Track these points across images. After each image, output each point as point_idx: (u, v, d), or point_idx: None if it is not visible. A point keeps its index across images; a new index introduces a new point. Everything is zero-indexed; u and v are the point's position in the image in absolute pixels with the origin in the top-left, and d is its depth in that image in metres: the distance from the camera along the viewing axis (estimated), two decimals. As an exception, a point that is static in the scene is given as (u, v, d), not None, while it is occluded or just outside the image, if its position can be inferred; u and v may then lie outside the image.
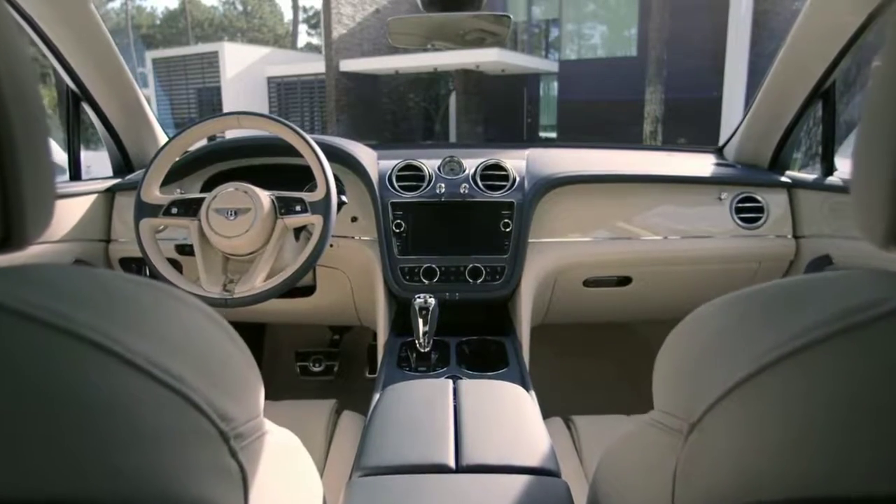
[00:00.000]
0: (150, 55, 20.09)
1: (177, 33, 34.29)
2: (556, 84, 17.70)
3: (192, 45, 24.62)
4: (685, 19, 12.48)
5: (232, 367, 0.43)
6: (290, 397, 2.25)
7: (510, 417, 0.92)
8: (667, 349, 0.51)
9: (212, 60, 17.93)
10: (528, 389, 1.17)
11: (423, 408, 0.93)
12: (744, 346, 0.39)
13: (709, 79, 13.29)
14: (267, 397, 0.52)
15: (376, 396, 1.11)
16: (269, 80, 18.63)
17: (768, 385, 0.35)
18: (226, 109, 16.64)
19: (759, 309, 0.42)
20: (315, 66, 17.89)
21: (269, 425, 0.48)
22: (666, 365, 0.51)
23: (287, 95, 18.86)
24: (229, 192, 1.33)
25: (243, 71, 17.92)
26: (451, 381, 1.03)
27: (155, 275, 1.34)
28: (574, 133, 15.71)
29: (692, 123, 13.09)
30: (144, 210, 1.36)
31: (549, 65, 17.74)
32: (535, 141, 17.27)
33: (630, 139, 12.23)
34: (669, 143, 11.71)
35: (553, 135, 17.40)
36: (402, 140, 17.49)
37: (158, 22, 36.57)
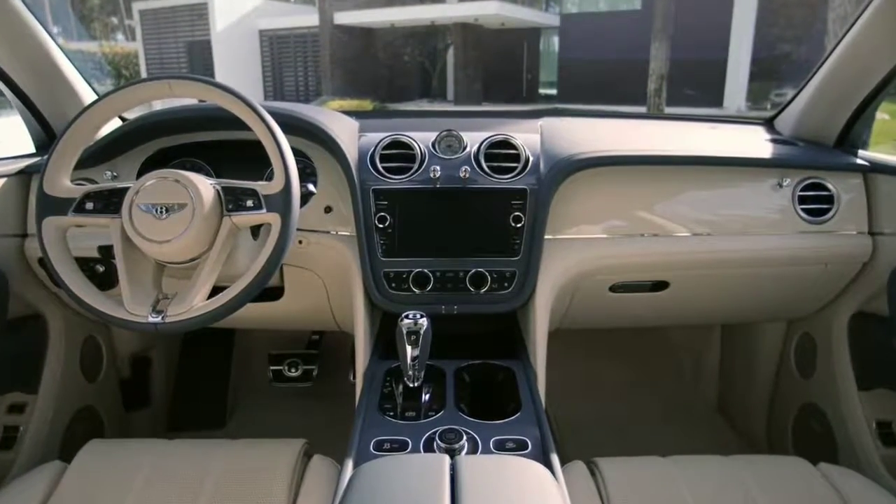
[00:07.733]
0: (136, 6, 19.31)
1: (165, -17, 33.09)
2: (556, 39, 17.25)
3: (180, -4, 23.72)
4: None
5: None
6: (261, 409, 1.98)
7: None
8: None
9: (201, 12, 17.22)
10: (547, 448, 0.91)
11: None
12: None
13: (715, 36, 12.87)
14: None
15: (348, 469, 0.84)
16: (262, 33, 18.00)
17: None
18: (216, 65, 16.23)
19: None
20: (309, 18, 17.33)
21: None
22: None
23: (280, 50, 18.24)
24: (156, 183, 1.01)
25: (234, 23, 17.26)
26: (447, 459, 0.76)
27: (66, 290, 1.03)
28: (575, 90, 15.33)
29: (697, 83, 12.73)
30: (48, 206, 1.04)
31: (549, 18, 17.30)
32: (535, 98, 16.95)
33: (634, 96, 11.81)
34: (674, 102, 11.37)
35: (553, 91, 17.03)
36: (397, 97, 17.02)
37: (146, -29, 35.29)
